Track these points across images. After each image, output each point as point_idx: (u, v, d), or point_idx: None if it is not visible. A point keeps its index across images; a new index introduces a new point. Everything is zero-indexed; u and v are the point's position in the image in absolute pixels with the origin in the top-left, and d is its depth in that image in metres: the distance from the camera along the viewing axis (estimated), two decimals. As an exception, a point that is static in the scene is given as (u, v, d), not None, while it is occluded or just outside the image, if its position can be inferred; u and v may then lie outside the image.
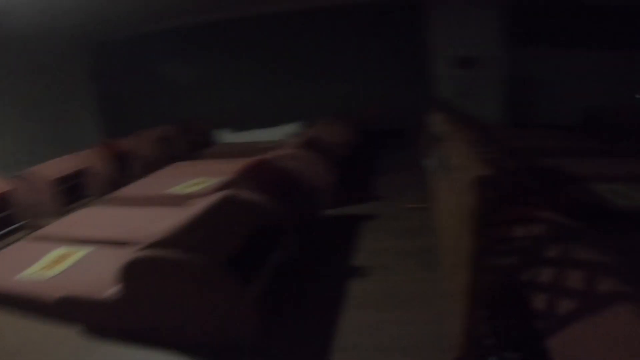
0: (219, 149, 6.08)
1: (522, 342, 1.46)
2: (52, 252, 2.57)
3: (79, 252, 2.53)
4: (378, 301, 2.30)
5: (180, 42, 7.06)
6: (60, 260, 2.47)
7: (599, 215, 2.48)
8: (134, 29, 6.88)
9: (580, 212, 2.40)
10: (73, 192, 4.08)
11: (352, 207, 3.78)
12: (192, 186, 3.64)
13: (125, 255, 1.95)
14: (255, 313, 1.95)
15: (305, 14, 6.52)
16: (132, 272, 1.94)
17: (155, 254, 1.90)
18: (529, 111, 6.73)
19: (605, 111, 5.80)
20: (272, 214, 2.56)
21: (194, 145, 6.02)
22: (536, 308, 1.41)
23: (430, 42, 6.22)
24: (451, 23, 6.07)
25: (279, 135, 5.95)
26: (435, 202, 3.05)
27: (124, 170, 4.70)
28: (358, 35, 6.61)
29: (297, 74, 6.94)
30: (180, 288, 1.94)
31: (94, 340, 2.09)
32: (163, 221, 2.13)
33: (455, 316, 1.69)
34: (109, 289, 2.02)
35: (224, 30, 6.91)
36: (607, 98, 6.42)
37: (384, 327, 2.07)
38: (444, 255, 2.25)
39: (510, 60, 6.26)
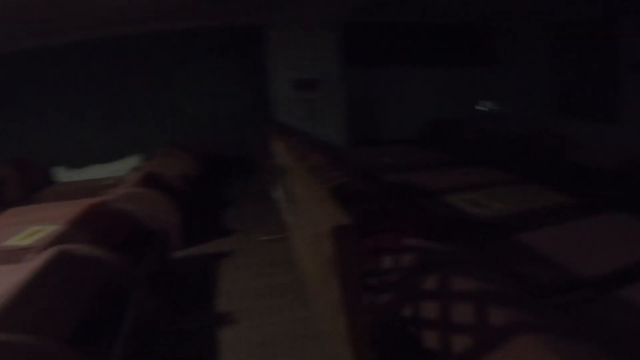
0: (57, 190, 5.16)
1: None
2: None
3: None
4: (252, 353, 2.10)
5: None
6: None
7: (458, 227, 2.62)
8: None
9: (440, 228, 2.54)
10: None
11: (204, 246, 3.49)
12: (30, 236, 2.95)
13: None
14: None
15: (141, 39, 5.99)
16: None
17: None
18: (372, 129, 7.17)
19: (445, 123, 6.50)
20: (116, 268, 2.18)
21: (29, 187, 5.02)
22: (428, 347, 1.38)
23: (270, 65, 6.19)
24: (290, 45, 6.10)
25: (118, 171, 5.33)
26: (290, 234, 2.97)
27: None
28: (202, 60, 6.32)
29: (134, 102, 6.32)
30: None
31: None
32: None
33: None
34: None
35: (49, 58, 5.94)
36: (448, 111, 7.23)
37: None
38: (312, 293, 2.16)
39: (350, 80, 6.53)
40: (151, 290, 2.35)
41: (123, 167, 5.44)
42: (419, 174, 3.81)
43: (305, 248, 2.05)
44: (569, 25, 6.41)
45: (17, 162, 5.23)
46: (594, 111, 6.16)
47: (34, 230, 3.09)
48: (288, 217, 2.68)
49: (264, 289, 2.70)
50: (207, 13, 5.51)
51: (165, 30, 5.89)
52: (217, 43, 6.33)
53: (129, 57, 6.13)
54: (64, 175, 5.97)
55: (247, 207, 4.51)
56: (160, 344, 2.20)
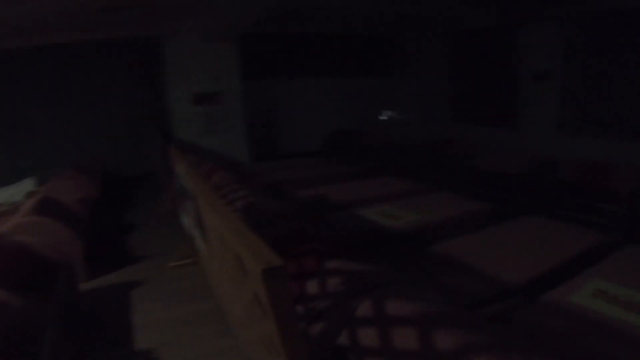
0: None
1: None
2: None
3: None
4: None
5: None
6: None
7: (375, 242, 2.68)
8: None
9: (357, 244, 2.59)
10: None
11: (112, 276, 3.27)
12: None
13: None
14: None
15: (33, 52, 5.45)
16: None
17: None
18: (275, 143, 7.14)
19: (347, 134, 6.62)
20: (21, 311, 2.00)
21: None
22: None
23: (169, 78, 5.96)
24: (189, 57, 5.92)
25: (12, 196, 4.75)
26: (202, 259, 2.90)
27: None
28: (98, 75, 5.90)
29: (27, 120, 5.71)
30: None
31: None
32: None
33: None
34: None
35: None
36: (351, 122, 7.39)
37: None
38: (236, 322, 2.12)
39: (251, 93, 6.50)
40: (63, 332, 2.17)
41: (17, 192, 4.90)
42: (328, 188, 3.85)
43: (221, 275, 2.00)
44: (468, 35, 6.98)
45: None
46: (495, 118, 6.76)
47: None
48: (198, 242, 2.60)
49: (182, 319, 2.61)
50: (103, 25, 5.19)
51: (58, 42, 5.45)
52: (115, 56, 5.99)
53: (18, 71, 5.57)
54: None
55: (152, 231, 4.28)
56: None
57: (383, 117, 8.14)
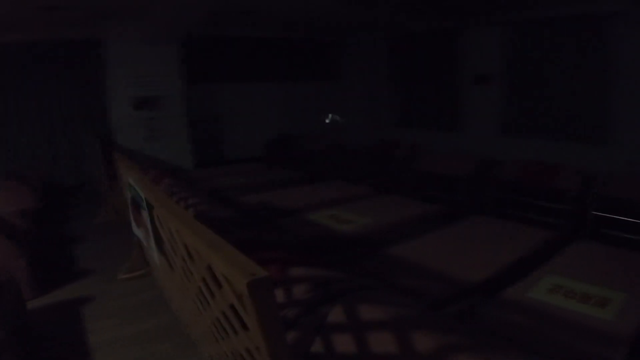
0: None
1: None
2: None
3: None
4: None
5: None
6: None
7: (326, 245, 2.67)
8: None
9: (311, 249, 2.56)
10: None
11: (59, 291, 3.08)
12: None
13: None
14: None
15: None
16: None
17: None
18: (217, 148, 7.00)
19: (290, 139, 6.56)
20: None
21: None
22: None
23: (109, 82, 5.70)
24: (129, 60, 5.68)
25: None
26: (154, 270, 2.79)
27: None
28: (33, 79, 5.54)
29: None
30: None
31: None
32: None
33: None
34: None
35: None
36: (294, 126, 7.33)
37: None
38: (200, 337, 2.05)
39: (193, 97, 6.34)
40: (10, 355, 2.01)
41: None
42: (273, 194, 3.82)
43: (183, 288, 1.94)
44: (409, 39, 7.16)
45: None
46: (438, 121, 6.98)
47: None
48: (151, 253, 2.50)
49: (141, 336, 2.49)
50: (41, 24, 4.89)
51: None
52: (51, 58, 5.65)
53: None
54: None
55: (98, 242, 4.07)
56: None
57: (327, 121, 8.19)
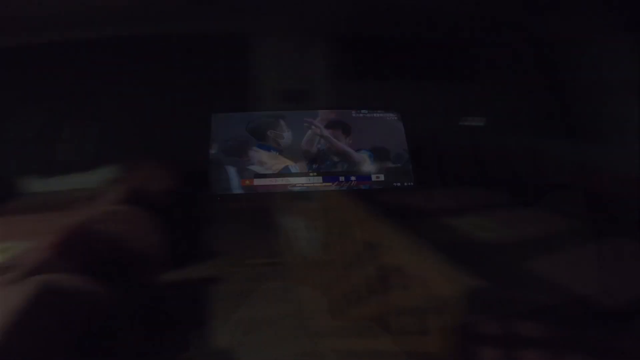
0: (23, 202, 4.70)
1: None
2: None
3: None
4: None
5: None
6: None
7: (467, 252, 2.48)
8: None
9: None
10: None
11: (188, 270, 3.22)
12: None
13: None
14: None
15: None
16: None
17: None
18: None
19: (429, 141, 6.39)
20: (105, 301, 1.95)
21: None
22: None
23: (257, 76, 5.88)
24: (277, 55, 5.75)
25: (92, 182, 4.90)
26: (287, 259, 2.78)
27: None
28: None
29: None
30: None
31: None
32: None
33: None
34: None
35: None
36: (429, 128, 7.10)
37: None
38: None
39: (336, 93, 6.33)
40: (143, 325, 2.11)
41: (95, 179, 5.04)
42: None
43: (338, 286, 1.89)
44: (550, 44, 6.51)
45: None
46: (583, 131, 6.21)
47: (3, 247, 2.79)
48: (296, 242, 2.48)
49: (261, 320, 2.48)
50: (186, 17, 5.17)
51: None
52: (197, 52, 6.03)
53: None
54: (30, 186, 5.51)
55: (226, 226, 4.22)
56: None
57: (467, 123, 7.78)
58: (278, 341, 2.28)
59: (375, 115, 2.69)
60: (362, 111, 2.66)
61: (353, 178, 2.15)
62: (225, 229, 4.11)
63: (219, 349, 2.24)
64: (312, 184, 2.11)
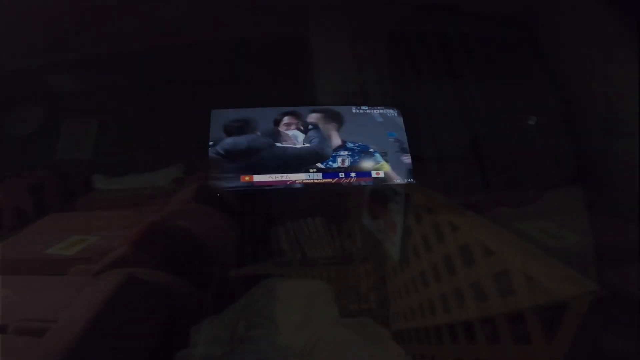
0: (95, 198, 5.00)
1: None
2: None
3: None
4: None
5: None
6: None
7: None
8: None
9: None
10: None
11: (256, 267, 3.27)
12: (73, 245, 2.79)
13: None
14: None
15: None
16: None
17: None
18: (421, 145, 6.87)
19: (495, 140, 6.12)
20: (184, 295, 2.02)
21: (67, 194, 4.87)
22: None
23: (317, 78, 5.93)
24: (336, 56, 5.79)
25: (158, 181, 5.12)
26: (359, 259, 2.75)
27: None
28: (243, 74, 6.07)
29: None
30: None
31: None
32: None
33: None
34: None
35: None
36: (493, 127, 6.82)
37: None
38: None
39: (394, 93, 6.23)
40: (218, 322, 2.17)
41: (162, 177, 5.23)
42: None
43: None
44: None
45: (56, 167, 5.09)
46: None
47: (77, 239, 2.93)
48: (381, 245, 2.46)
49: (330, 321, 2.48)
50: (243, 21, 5.21)
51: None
52: (257, 56, 6.11)
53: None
54: (101, 183, 5.81)
55: (299, 223, 4.25)
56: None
57: (529, 123, 7.39)
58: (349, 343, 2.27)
59: (375, 111, 2.61)
60: (362, 107, 2.60)
61: (353, 174, 2.12)
62: (290, 226, 4.16)
63: (290, 345, 2.26)
64: (312, 181, 2.10)
